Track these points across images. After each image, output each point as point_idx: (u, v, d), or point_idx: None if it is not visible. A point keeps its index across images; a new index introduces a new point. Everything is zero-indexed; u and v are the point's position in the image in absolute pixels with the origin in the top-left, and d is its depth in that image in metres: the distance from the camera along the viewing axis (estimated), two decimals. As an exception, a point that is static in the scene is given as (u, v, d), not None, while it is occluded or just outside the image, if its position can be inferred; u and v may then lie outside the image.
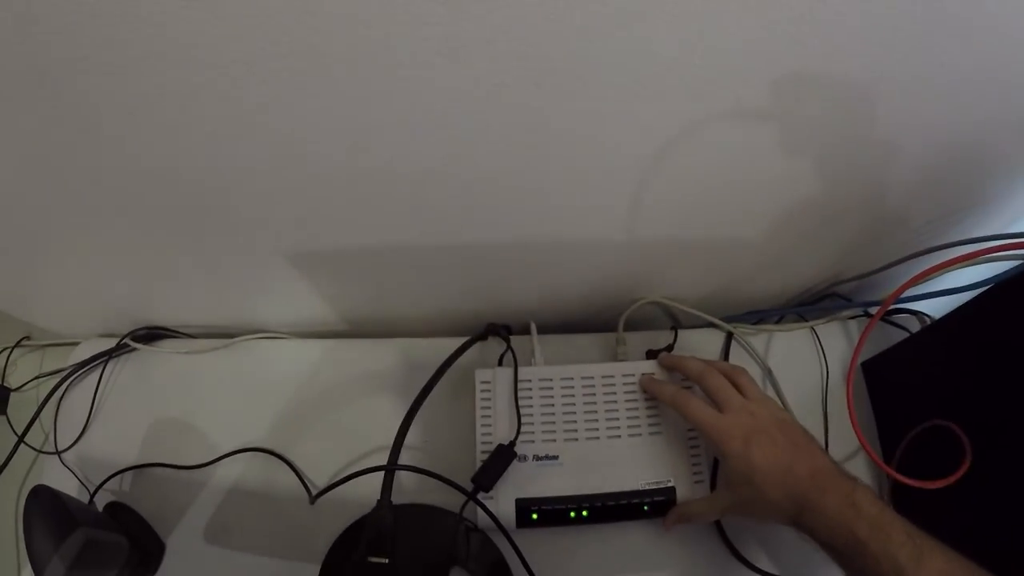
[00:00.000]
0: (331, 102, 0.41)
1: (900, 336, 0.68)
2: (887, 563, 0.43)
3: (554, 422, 0.60)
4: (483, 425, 0.60)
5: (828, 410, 0.68)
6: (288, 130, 0.43)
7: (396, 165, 0.47)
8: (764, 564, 0.61)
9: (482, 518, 0.57)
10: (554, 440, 0.60)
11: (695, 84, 0.43)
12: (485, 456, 0.58)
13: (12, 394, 0.77)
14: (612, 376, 0.62)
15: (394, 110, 0.42)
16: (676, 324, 0.74)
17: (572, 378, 0.62)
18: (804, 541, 0.50)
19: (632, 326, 0.71)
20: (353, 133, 0.44)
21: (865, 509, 0.46)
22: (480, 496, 0.55)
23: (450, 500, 0.60)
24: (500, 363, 0.66)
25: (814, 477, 0.49)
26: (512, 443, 0.58)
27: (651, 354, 0.68)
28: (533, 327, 0.68)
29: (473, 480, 0.56)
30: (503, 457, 0.57)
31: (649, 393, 0.61)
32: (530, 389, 0.62)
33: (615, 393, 0.62)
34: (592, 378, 0.62)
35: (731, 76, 0.43)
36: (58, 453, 0.68)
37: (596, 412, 0.61)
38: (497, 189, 0.51)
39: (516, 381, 0.61)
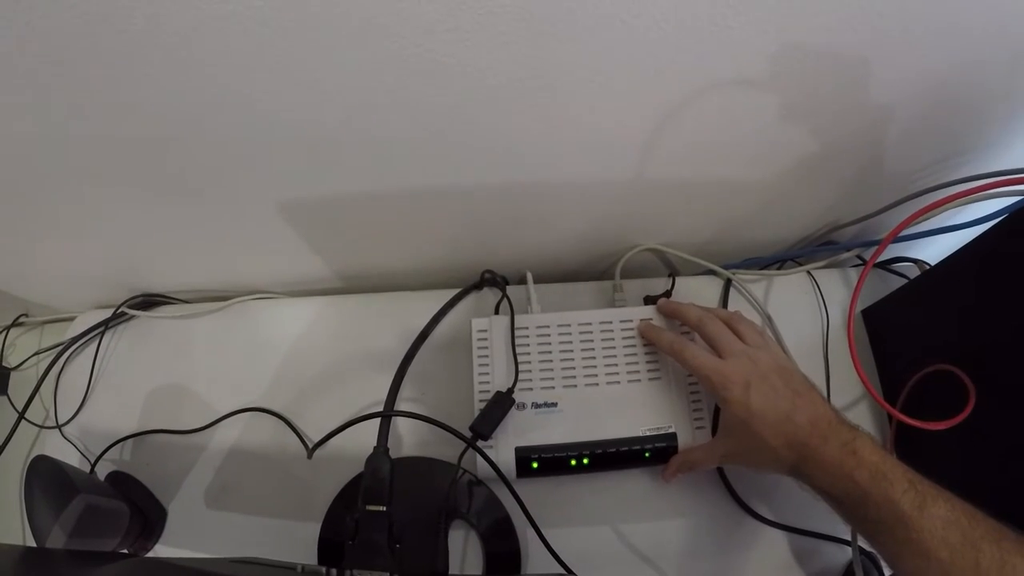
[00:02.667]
0: (318, 39, 0.40)
1: (901, 283, 0.67)
2: (889, 510, 0.42)
3: (552, 369, 0.60)
4: (480, 374, 0.60)
5: (829, 356, 0.67)
6: (276, 74, 0.43)
7: (388, 99, 0.46)
8: (766, 512, 0.60)
9: (482, 468, 0.57)
10: (553, 387, 0.59)
11: (705, 43, 0.44)
12: (483, 405, 0.57)
13: (12, 373, 0.77)
14: (610, 322, 0.62)
15: (383, 41, 0.41)
16: (673, 271, 0.73)
17: (569, 325, 0.61)
18: (804, 490, 0.50)
19: (629, 274, 0.70)
20: (342, 71, 0.43)
21: (866, 457, 0.45)
22: (479, 444, 0.55)
23: (449, 453, 0.60)
24: (496, 312, 0.65)
25: (815, 424, 0.48)
26: (510, 390, 0.57)
27: (649, 300, 0.67)
28: (529, 275, 0.67)
29: (472, 428, 0.55)
30: (501, 404, 0.56)
31: (647, 340, 0.61)
32: (527, 337, 0.61)
33: (613, 339, 0.61)
34: (590, 324, 0.61)
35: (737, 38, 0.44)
36: (59, 427, 0.68)
37: (594, 358, 0.60)
38: (500, 126, 0.51)
39: (513, 327, 0.60)
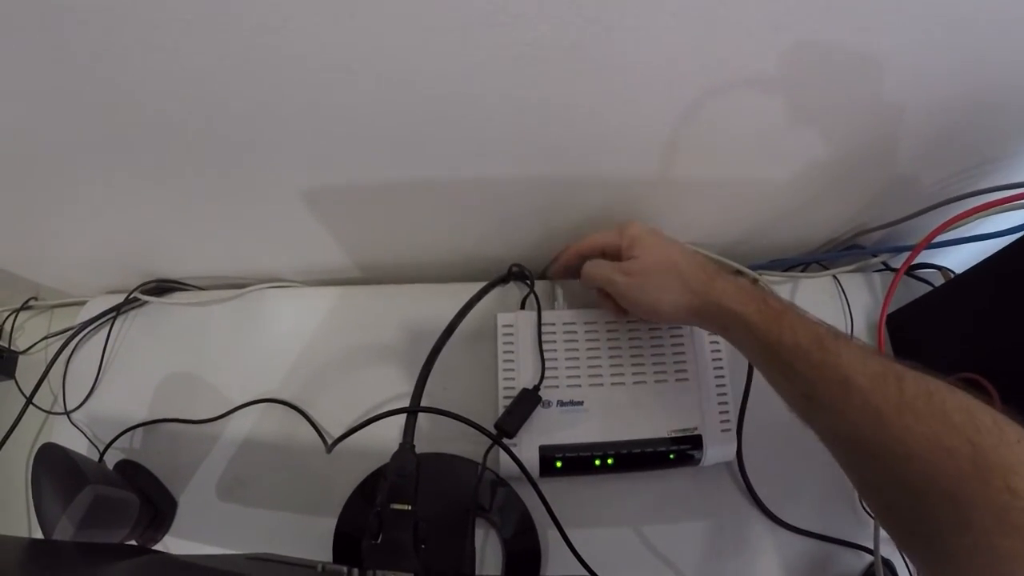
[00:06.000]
0: (346, 25, 0.39)
1: (924, 290, 0.67)
2: (805, 332, 0.42)
3: (578, 367, 0.59)
4: (505, 370, 0.59)
5: (854, 361, 0.66)
6: (301, 56, 0.42)
7: (418, 88, 0.45)
8: (787, 516, 0.60)
9: (504, 467, 0.56)
10: (579, 385, 0.58)
11: (736, 40, 0.43)
12: (507, 402, 0.56)
13: (20, 357, 0.76)
14: (637, 320, 0.60)
15: (416, 26, 0.40)
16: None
17: (596, 322, 0.60)
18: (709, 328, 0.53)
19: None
20: (372, 56, 0.42)
21: (774, 294, 0.48)
22: (504, 442, 0.54)
23: (468, 449, 0.59)
24: (522, 307, 0.64)
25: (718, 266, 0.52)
26: (536, 387, 0.56)
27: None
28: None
29: (497, 426, 0.54)
30: (528, 402, 0.55)
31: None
32: (554, 333, 0.60)
33: (640, 338, 0.60)
34: (616, 322, 0.60)
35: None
36: (67, 413, 0.67)
37: (621, 357, 0.59)
38: (532, 117, 0.49)
39: (540, 324, 0.59)
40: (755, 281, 0.69)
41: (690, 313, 0.50)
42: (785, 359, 0.42)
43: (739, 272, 0.61)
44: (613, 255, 0.55)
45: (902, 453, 0.35)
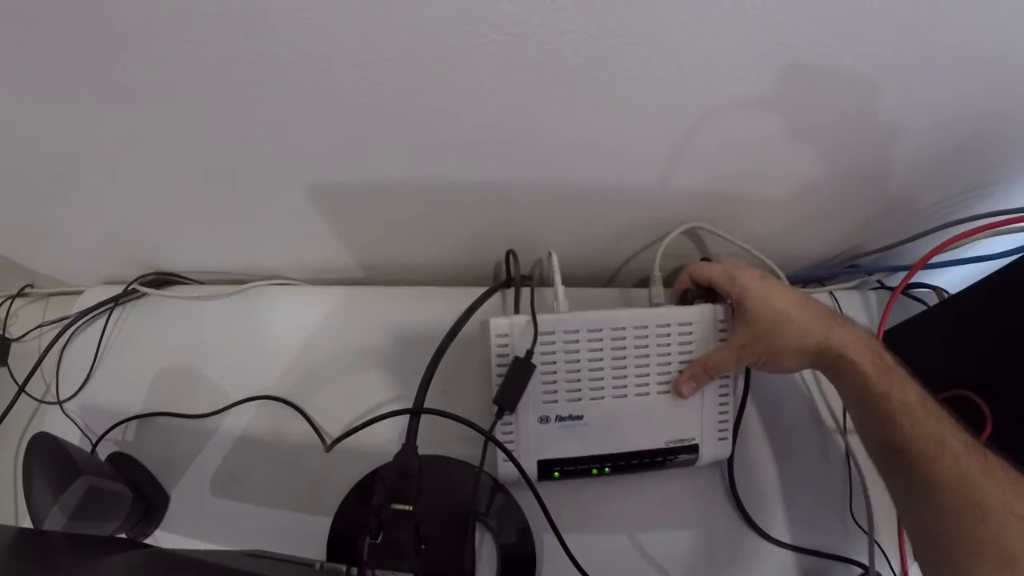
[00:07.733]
0: (358, 24, 0.40)
1: (919, 309, 0.68)
2: (913, 390, 0.45)
3: (579, 379, 0.56)
4: (499, 376, 0.56)
5: (850, 378, 0.67)
6: (315, 55, 0.42)
7: (427, 91, 0.45)
8: (782, 531, 0.61)
9: (502, 472, 0.56)
10: (579, 400, 0.56)
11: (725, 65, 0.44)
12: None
13: (13, 344, 0.75)
14: (645, 326, 0.57)
15: (426, 33, 0.40)
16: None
17: (601, 329, 0.56)
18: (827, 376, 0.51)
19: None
20: (384, 57, 0.42)
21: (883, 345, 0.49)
22: (504, 439, 0.54)
23: (463, 451, 0.59)
24: (516, 308, 0.63)
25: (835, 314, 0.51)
26: (529, 353, 0.54)
27: (685, 300, 0.62)
28: (554, 256, 0.62)
29: (495, 402, 0.54)
30: (521, 372, 0.54)
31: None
32: (553, 343, 0.56)
33: (647, 346, 0.57)
34: (623, 329, 0.56)
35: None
36: (60, 403, 0.66)
37: (625, 367, 0.56)
38: (537, 126, 0.50)
39: (533, 296, 0.58)
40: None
41: (809, 360, 0.51)
42: (888, 411, 0.45)
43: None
44: (723, 295, 0.57)
45: (978, 515, 0.39)
